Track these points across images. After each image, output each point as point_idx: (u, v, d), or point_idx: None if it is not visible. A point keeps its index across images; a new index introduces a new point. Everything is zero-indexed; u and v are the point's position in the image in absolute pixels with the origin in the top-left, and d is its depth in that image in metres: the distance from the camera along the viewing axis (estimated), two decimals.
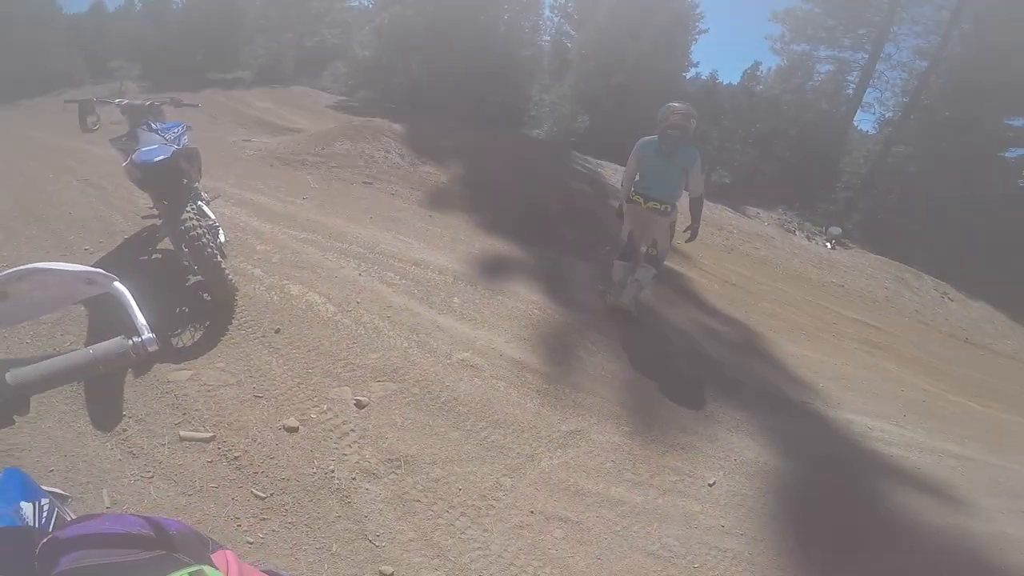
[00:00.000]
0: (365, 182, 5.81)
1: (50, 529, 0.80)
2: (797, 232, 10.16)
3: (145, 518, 0.68)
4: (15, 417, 0.57)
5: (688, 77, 15.94)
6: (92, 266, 0.72)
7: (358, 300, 3.25)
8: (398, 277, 3.68)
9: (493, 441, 2.39)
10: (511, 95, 12.95)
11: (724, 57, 50.26)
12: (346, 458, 2.15)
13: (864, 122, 17.60)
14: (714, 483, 2.60)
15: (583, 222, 6.25)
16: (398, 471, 2.13)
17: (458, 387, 2.65)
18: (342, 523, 1.93)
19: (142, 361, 0.66)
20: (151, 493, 1.93)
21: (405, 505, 2.00)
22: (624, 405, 2.95)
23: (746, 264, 7.44)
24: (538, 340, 3.34)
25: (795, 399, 3.70)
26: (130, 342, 0.61)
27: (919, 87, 14.10)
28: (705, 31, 15.63)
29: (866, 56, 15.23)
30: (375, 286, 3.49)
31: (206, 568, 0.57)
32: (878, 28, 14.74)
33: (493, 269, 4.27)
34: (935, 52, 13.75)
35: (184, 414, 2.24)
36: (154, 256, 3.44)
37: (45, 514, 0.83)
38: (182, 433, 2.15)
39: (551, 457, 2.41)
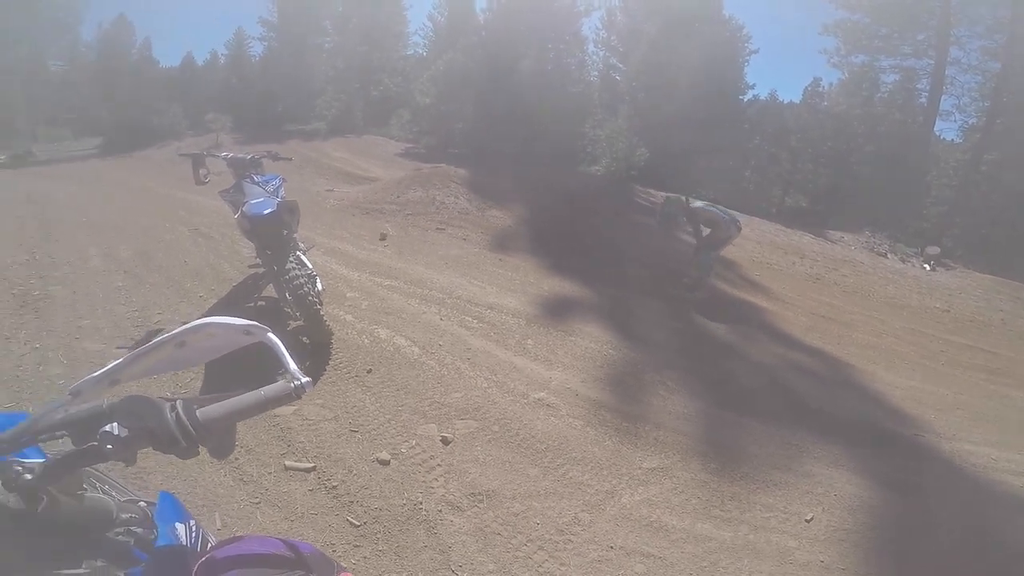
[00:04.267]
0: (438, 228, 6.08)
1: (198, 549, 0.88)
2: (889, 255, 9.42)
3: (283, 540, 0.74)
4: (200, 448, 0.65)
5: (746, 100, 15.62)
6: (208, 311, 0.79)
7: (440, 343, 3.40)
8: (475, 321, 3.81)
9: (571, 478, 2.40)
10: (565, 133, 13.17)
11: (780, 76, 48.91)
12: (433, 491, 2.24)
13: (947, 131, 16.30)
14: (812, 519, 2.48)
15: (650, 258, 6.16)
16: (480, 505, 2.19)
17: (535, 425, 2.70)
18: (428, 553, 2.00)
19: (299, 401, 0.73)
20: (257, 518, 2.07)
21: (486, 538, 2.05)
22: (710, 442, 2.89)
23: (835, 293, 6.97)
24: (615, 379, 3.34)
25: (901, 431, 3.46)
26: (291, 385, 0.68)
27: (998, 89, 12.99)
28: (755, 51, 15.43)
29: (931, 62, 14.33)
30: (455, 330, 3.63)
31: None
32: (936, 32, 13.87)
33: (564, 310, 4.31)
34: (1005, 51, 12.70)
35: (288, 445, 2.41)
36: (259, 303, 3.74)
37: (194, 534, 0.91)
38: (287, 463, 2.31)
39: (632, 493, 2.40)
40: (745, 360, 4.13)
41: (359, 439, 2.47)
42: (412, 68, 21.21)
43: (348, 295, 3.93)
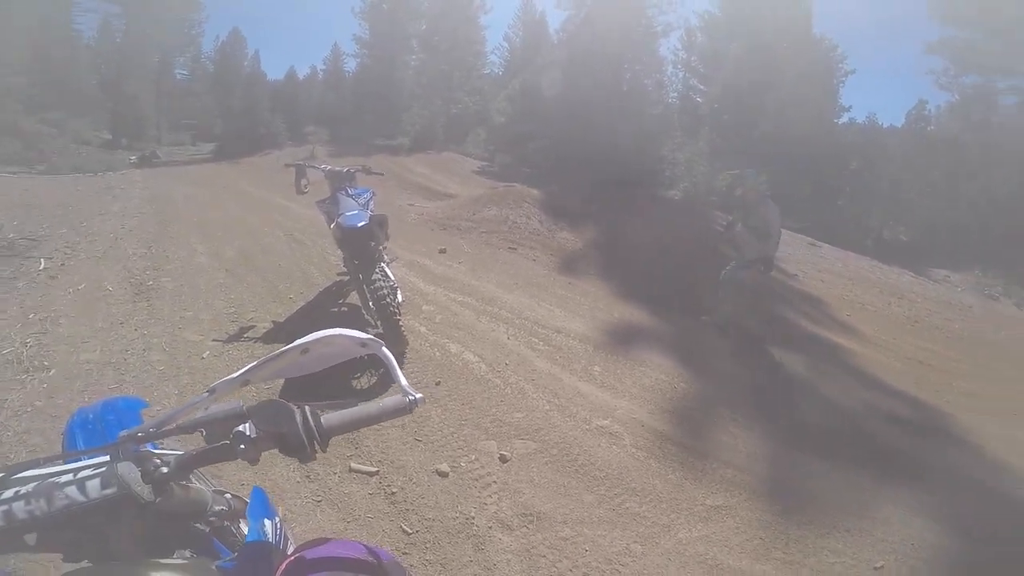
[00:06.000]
0: (510, 248, 6.17)
1: (281, 547, 0.91)
2: (1002, 298, 8.37)
3: (365, 546, 0.75)
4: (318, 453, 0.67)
5: (841, 122, 14.61)
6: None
7: (507, 362, 3.43)
8: (542, 343, 3.81)
9: (627, 508, 2.34)
10: (642, 156, 12.93)
11: (881, 98, 45.30)
12: (486, 507, 2.24)
13: None
14: (882, 566, 2.35)
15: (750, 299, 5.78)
16: (530, 526, 2.17)
17: (596, 452, 2.65)
18: (472, 568, 1.99)
19: (411, 414, 0.75)
20: (317, 516, 2.15)
21: (532, 559, 2.03)
22: (780, 483, 2.75)
23: (936, 339, 6.28)
24: (684, 413, 3.23)
25: (996, 483, 3.15)
26: (407, 400, 0.71)
27: None
28: (851, 72, 14.40)
29: None
30: (521, 350, 3.65)
31: None
32: None
33: (633, 338, 4.20)
34: None
35: (356, 448, 2.51)
36: (342, 308, 3.98)
37: (279, 532, 0.94)
38: (352, 465, 2.40)
39: (690, 529, 2.32)
40: (826, 402, 3.87)
41: (422, 449, 2.54)
42: (489, 87, 21.85)
43: (424, 308, 4.07)
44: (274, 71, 44.79)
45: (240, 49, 24.36)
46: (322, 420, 0.66)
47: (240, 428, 0.65)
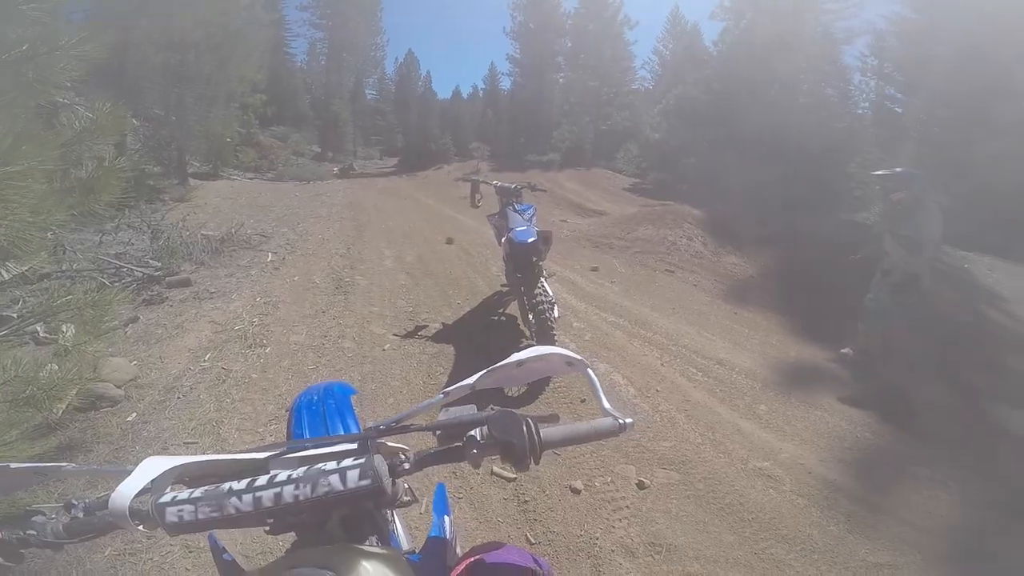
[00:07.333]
0: (667, 270, 5.88)
1: (452, 544, 0.94)
2: None
3: (532, 556, 0.74)
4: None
5: None
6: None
7: (658, 388, 3.27)
8: (700, 373, 3.56)
9: (772, 554, 2.09)
10: (825, 174, 11.37)
11: None
12: (613, 530, 2.16)
13: None
14: None
15: (934, 327, 4.64)
16: (656, 556, 2.04)
17: (748, 494, 2.41)
18: None
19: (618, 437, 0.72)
20: (455, 512, 2.21)
21: None
22: (965, 549, 2.28)
23: None
24: (864, 464, 2.80)
25: None
26: (618, 423, 0.70)
27: None
28: None
29: None
30: (675, 378, 3.45)
31: None
32: None
33: (811, 379, 3.70)
34: None
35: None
36: (501, 318, 4.20)
37: (451, 529, 0.97)
38: (495, 469, 2.47)
39: None
40: None
41: (559, 463, 2.54)
42: (640, 102, 21.35)
43: (575, 325, 4.09)
44: (442, 90, 49.98)
45: (414, 70, 27.53)
46: (543, 434, 0.67)
47: (472, 433, 0.67)
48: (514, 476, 2.45)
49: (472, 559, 0.73)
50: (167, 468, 0.63)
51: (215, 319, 3.92)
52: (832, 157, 11.65)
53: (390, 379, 3.25)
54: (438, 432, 0.71)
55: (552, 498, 2.33)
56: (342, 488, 0.58)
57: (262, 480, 0.59)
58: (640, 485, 2.41)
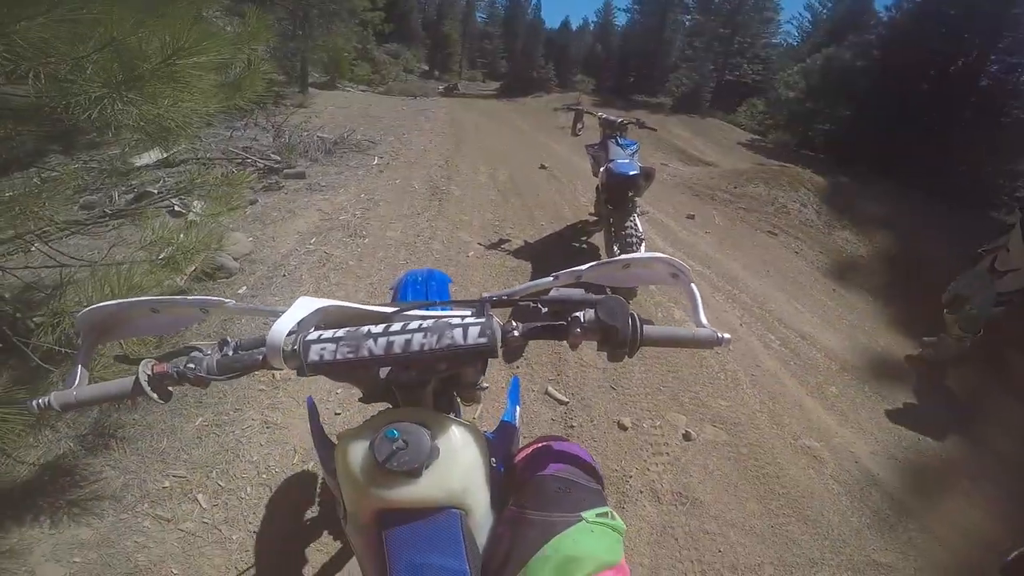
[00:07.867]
0: (770, 232, 5.45)
1: (520, 431, 1.02)
2: None
3: (589, 454, 0.80)
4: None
5: None
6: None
7: (730, 347, 3.14)
8: (778, 342, 3.39)
9: (787, 531, 2.06)
10: (993, 165, 9.66)
11: None
12: (647, 473, 2.18)
13: None
14: None
15: None
16: (679, 507, 2.06)
17: (788, 469, 2.34)
18: None
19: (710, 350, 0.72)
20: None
21: (661, 537, 1.93)
22: (967, 566, 2.10)
23: None
24: (911, 466, 2.58)
25: None
26: (717, 335, 0.70)
27: None
28: None
29: None
30: (751, 341, 3.32)
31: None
32: None
33: (895, 374, 3.36)
34: None
35: (558, 374, 2.67)
36: (582, 245, 4.20)
37: (519, 419, 1.05)
38: (549, 389, 2.57)
39: (835, 574, 1.95)
40: None
41: (613, 396, 2.58)
42: (778, 57, 19.56)
43: None
44: (552, 20, 48.70)
45: None
46: (646, 329, 0.67)
47: (578, 314, 0.67)
48: (566, 400, 2.51)
49: (539, 444, 0.81)
50: (317, 307, 0.66)
51: (323, 208, 4.26)
52: (1004, 147, 9.81)
53: (469, 284, 3.42)
54: (545, 309, 0.72)
55: (599, 429, 2.38)
56: (463, 342, 0.61)
57: (396, 326, 0.63)
58: (686, 436, 2.41)
